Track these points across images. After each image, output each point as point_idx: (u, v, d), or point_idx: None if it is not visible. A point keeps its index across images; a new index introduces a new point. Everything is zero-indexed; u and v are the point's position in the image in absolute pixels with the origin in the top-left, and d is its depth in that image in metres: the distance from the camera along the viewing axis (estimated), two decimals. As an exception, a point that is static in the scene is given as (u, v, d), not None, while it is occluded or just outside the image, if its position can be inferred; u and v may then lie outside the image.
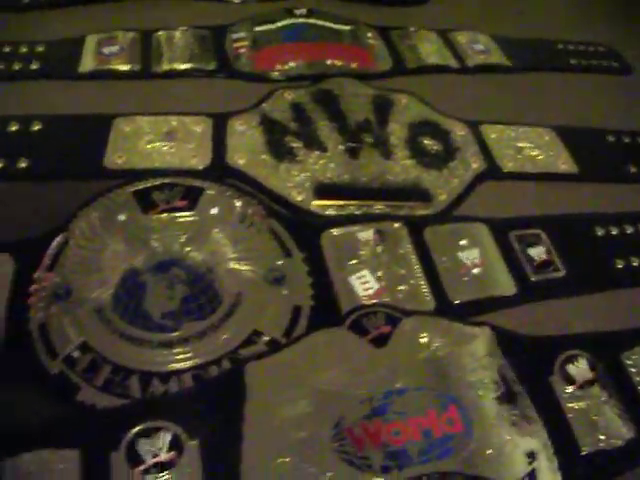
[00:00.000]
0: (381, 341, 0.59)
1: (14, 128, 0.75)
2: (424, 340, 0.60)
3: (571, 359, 0.62)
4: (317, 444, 0.53)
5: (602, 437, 0.58)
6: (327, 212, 0.70)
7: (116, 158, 0.72)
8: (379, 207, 0.71)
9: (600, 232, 0.75)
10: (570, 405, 0.59)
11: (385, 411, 0.55)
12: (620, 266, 0.72)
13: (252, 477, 0.51)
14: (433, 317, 0.63)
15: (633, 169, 0.85)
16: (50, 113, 0.78)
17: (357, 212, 0.70)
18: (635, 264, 0.73)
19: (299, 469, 0.52)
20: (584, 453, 0.57)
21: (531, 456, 0.55)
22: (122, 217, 0.66)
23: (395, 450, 0.53)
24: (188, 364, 0.57)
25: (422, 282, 0.65)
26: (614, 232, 0.75)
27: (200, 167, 0.72)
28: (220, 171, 0.72)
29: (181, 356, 0.58)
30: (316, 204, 0.70)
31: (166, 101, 0.80)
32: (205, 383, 0.57)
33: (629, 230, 0.76)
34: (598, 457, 0.57)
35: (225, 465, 0.52)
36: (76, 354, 0.57)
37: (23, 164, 0.71)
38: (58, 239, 0.65)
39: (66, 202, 0.68)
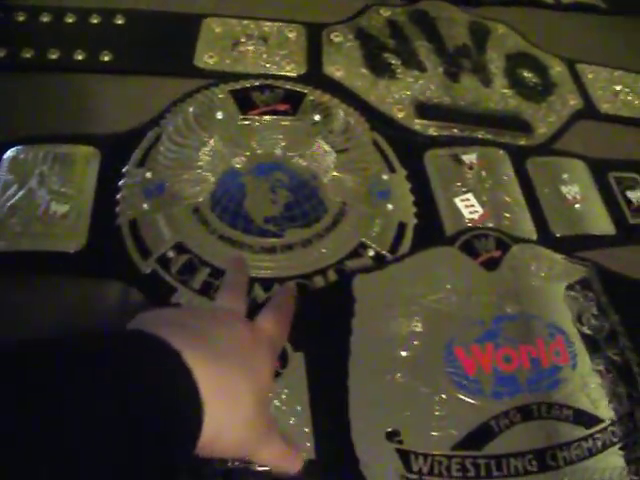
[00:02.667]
0: (492, 265, 0.57)
1: (95, 21, 0.71)
2: (533, 268, 0.58)
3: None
4: (428, 364, 0.52)
5: None
6: (429, 131, 0.67)
7: (207, 58, 0.68)
8: (481, 133, 0.68)
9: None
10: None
11: (496, 336, 0.54)
12: None
13: (360, 392, 0.50)
14: (541, 247, 0.61)
15: None
16: (134, 7, 0.73)
17: (460, 134, 0.67)
18: None
19: (410, 388, 0.51)
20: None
21: (630, 396, 0.55)
22: (220, 115, 0.63)
23: (506, 376, 0.53)
24: (292, 272, 0.55)
25: (525, 211, 0.63)
26: None
27: (295, 74, 0.68)
28: (317, 80, 0.68)
29: (285, 263, 0.55)
30: (418, 122, 0.67)
31: (258, 5, 0.75)
32: (310, 293, 0.54)
33: None
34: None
35: (331, 378, 0.50)
36: (171, 254, 0.54)
37: (106, 57, 0.67)
38: (150, 134, 0.62)
39: (155, 98, 0.65)
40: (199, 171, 0.59)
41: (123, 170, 0.59)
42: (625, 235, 0.66)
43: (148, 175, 0.58)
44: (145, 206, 0.57)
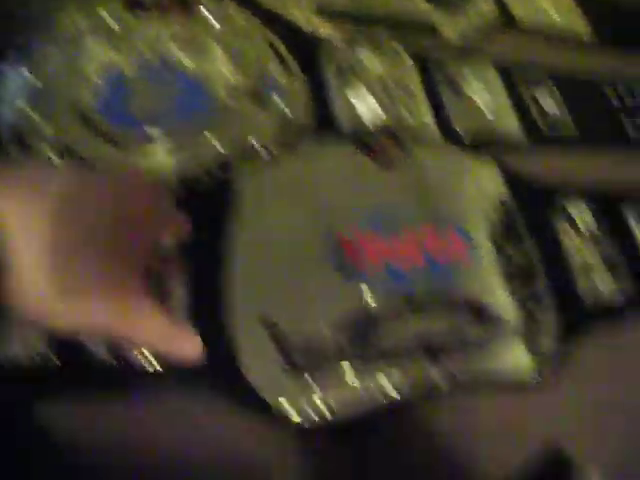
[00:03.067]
0: (385, 160, 0.56)
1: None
2: (429, 165, 0.57)
3: (575, 206, 0.60)
4: (309, 254, 0.51)
5: (601, 285, 0.56)
6: (329, 32, 0.64)
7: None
8: (386, 35, 0.66)
9: (611, 94, 0.72)
10: (571, 250, 0.58)
11: (384, 227, 0.53)
12: (631, 126, 0.69)
13: (239, 282, 0.49)
14: (439, 144, 0.59)
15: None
16: None
17: (361, 35, 0.65)
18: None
19: (290, 277, 0.50)
20: (583, 296, 0.56)
21: (528, 290, 0.53)
22: (105, 14, 0.59)
23: (392, 266, 0.51)
24: (175, 169, 0.53)
25: (427, 111, 0.61)
26: (627, 96, 0.72)
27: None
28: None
29: (168, 160, 0.54)
30: (319, 24, 0.65)
31: None
32: (192, 189, 0.52)
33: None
34: (597, 301, 0.56)
35: (209, 268, 0.49)
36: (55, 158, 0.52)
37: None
38: (31, 32, 0.58)
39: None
40: (83, 73, 0.56)
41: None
42: (534, 141, 0.64)
43: (27, 76, 0.55)
44: (28, 110, 0.54)
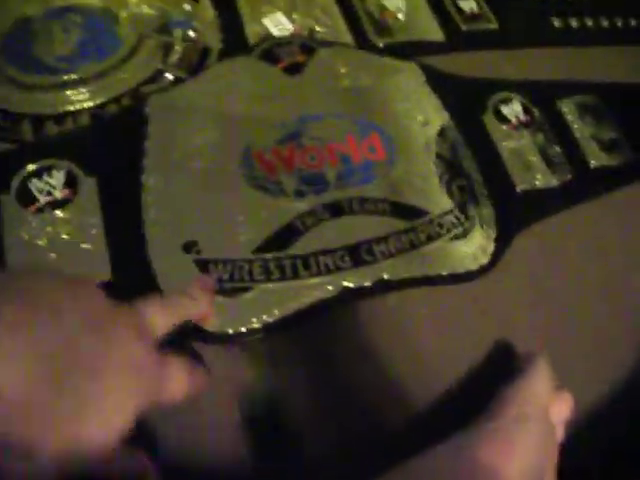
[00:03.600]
0: (295, 69, 0.54)
1: None
2: (343, 70, 0.56)
3: (505, 101, 0.59)
4: (224, 171, 0.49)
5: (538, 176, 0.56)
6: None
7: None
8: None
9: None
10: (504, 144, 0.57)
11: (299, 136, 0.51)
12: (558, 24, 0.68)
13: (155, 208, 0.47)
14: (354, 49, 0.58)
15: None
16: None
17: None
18: (574, 24, 0.69)
19: (207, 197, 0.48)
20: (519, 190, 0.55)
21: (461, 189, 0.52)
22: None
23: (311, 174, 0.50)
24: (85, 104, 0.52)
25: (342, 24, 0.60)
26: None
27: None
28: None
29: (77, 97, 0.53)
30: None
31: None
32: (103, 120, 0.51)
33: (569, -6, 0.72)
34: (533, 194, 0.55)
35: (124, 196, 0.47)
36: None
37: None
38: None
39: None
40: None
41: None
42: (456, 41, 0.63)
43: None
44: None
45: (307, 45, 0.56)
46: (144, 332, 0.34)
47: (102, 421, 0.30)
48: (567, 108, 0.60)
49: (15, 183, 0.47)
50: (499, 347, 0.49)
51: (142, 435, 0.35)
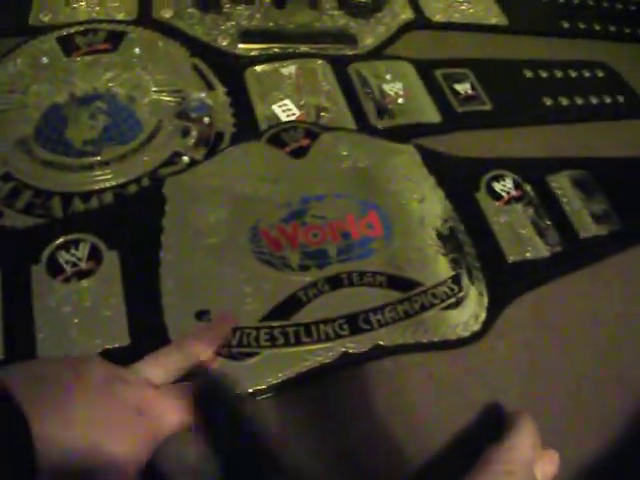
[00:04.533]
0: (300, 152, 0.59)
1: None
2: (345, 153, 0.60)
3: (497, 178, 0.63)
4: (234, 246, 0.54)
5: (528, 248, 0.59)
6: (251, 53, 0.70)
7: (42, 16, 0.72)
8: (304, 48, 0.71)
9: (529, 74, 0.76)
10: (496, 219, 0.60)
11: (303, 215, 0.56)
12: (548, 104, 0.73)
13: (171, 280, 0.52)
14: (354, 133, 0.63)
15: (566, 24, 0.85)
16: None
17: (281, 52, 0.70)
18: (563, 103, 0.73)
19: (217, 270, 0.52)
20: (510, 262, 0.58)
21: (455, 262, 0.56)
22: (45, 60, 0.66)
23: (313, 250, 0.54)
24: (108, 184, 0.57)
25: (344, 109, 0.65)
26: (544, 75, 0.76)
27: (125, 19, 0.72)
28: (146, 23, 0.71)
29: (101, 177, 0.58)
30: (241, 47, 0.70)
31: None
32: (125, 199, 0.56)
33: (559, 74, 0.77)
34: (524, 265, 0.58)
35: (143, 269, 0.52)
36: (-1, 185, 0.57)
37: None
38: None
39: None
40: (26, 111, 0.62)
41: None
42: (452, 122, 0.67)
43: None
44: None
45: (311, 130, 0.61)
46: (136, 382, 0.40)
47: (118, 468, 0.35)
48: (557, 183, 0.64)
49: (45, 255, 0.51)
50: (488, 409, 0.52)
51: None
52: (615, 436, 0.53)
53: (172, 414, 0.40)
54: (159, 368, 0.43)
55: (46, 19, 0.71)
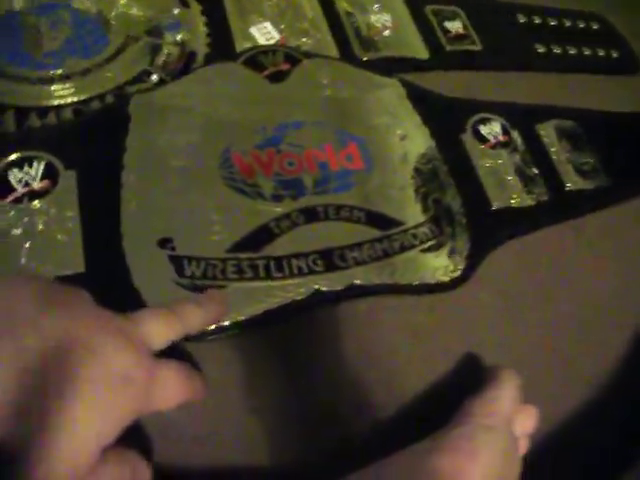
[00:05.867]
0: (278, 77, 0.55)
1: None
2: (326, 81, 0.56)
3: (484, 121, 0.60)
4: (203, 171, 0.50)
5: (513, 195, 0.57)
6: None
7: None
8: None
9: (523, 19, 0.73)
10: (481, 162, 0.58)
11: (279, 142, 0.52)
12: (541, 50, 0.70)
13: (133, 204, 0.47)
14: (338, 61, 0.59)
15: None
16: None
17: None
18: (556, 51, 0.70)
19: (183, 195, 0.48)
20: (494, 208, 0.55)
21: (437, 203, 0.53)
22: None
23: (288, 179, 0.51)
24: (69, 100, 0.53)
25: (328, 36, 0.61)
26: (537, 21, 0.73)
27: None
28: None
29: (61, 92, 0.53)
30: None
31: None
32: (86, 116, 0.52)
33: (552, 22, 0.74)
34: (508, 213, 0.56)
35: (103, 191, 0.47)
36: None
37: None
38: None
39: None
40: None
41: None
42: (439, 60, 0.64)
43: None
44: None
45: (292, 55, 0.57)
46: (135, 341, 0.34)
47: (75, 437, 0.29)
48: (545, 131, 0.61)
49: (-5, 175, 0.46)
50: (467, 360, 0.49)
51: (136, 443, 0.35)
52: (594, 393, 0.52)
53: (171, 391, 0.35)
54: (165, 327, 0.37)
55: None
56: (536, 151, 0.60)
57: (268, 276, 0.46)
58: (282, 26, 0.60)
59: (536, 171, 0.59)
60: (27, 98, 0.52)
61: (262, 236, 0.48)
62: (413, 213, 0.52)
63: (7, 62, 0.54)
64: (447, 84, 0.62)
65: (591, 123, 0.65)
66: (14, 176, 0.47)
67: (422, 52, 0.63)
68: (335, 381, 0.46)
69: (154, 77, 0.55)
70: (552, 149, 0.61)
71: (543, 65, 0.69)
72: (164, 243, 0.46)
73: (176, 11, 0.59)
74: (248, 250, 0.47)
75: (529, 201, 0.57)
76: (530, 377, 0.45)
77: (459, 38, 0.66)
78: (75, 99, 0.53)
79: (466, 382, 0.46)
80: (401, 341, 0.49)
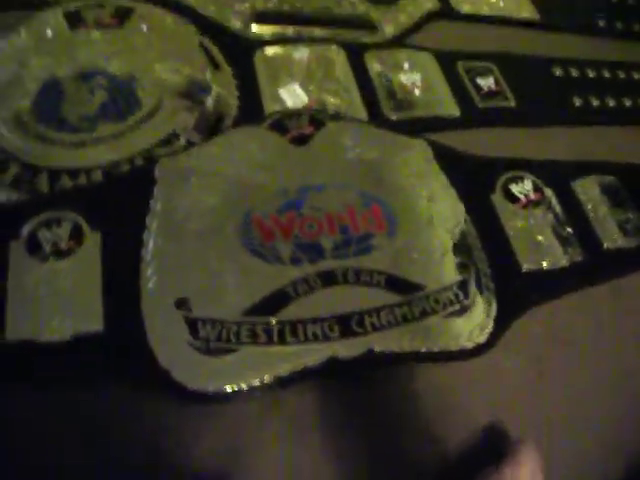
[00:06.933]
0: (301, 140, 0.56)
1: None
2: (350, 143, 0.56)
3: (515, 179, 0.59)
4: (221, 235, 0.50)
5: (545, 257, 0.54)
6: (264, 35, 0.67)
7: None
8: (319, 33, 0.67)
9: (559, 72, 0.71)
10: (511, 223, 0.56)
11: (300, 205, 0.52)
12: (578, 104, 0.68)
13: (152, 265, 0.48)
14: (362, 123, 0.59)
15: (602, 23, 0.80)
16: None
17: (294, 36, 0.67)
18: (595, 103, 0.68)
19: (202, 257, 0.49)
20: (524, 270, 0.53)
21: (463, 266, 0.51)
22: (49, 33, 0.63)
23: (307, 243, 0.50)
24: (100, 162, 0.55)
25: (356, 97, 0.61)
26: (574, 74, 0.71)
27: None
28: (157, 2, 0.68)
29: (93, 155, 0.55)
30: (254, 29, 0.67)
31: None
32: (114, 178, 0.53)
33: (591, 74, 0.72)
34: (539, 275, 0.54)
35: (125, 252, 0.49)
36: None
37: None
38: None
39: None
40: (23, 83, 0.59)
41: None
42: (471, 117, 0.63)
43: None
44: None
45: (316, 118, 0.57)
46: None
47: None
48: (582, 188, 0.59)
49: (25, 231, 0.48)
50: (490, 431, 0.47)
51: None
52: (626, 465, 0.49)
53: None
54: None
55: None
56: (571, 209, 0.58)
57: (282, 341, 0.46)
58: (311, 87, 0.61)
59: (570, 230, 0.57)
60: (61, 160, 0.55)
61: (278, 300, 0.47)
62: (436, 277, 0.51)
63: (45, 126, 0.56)
64: (479, 142, 0.61)
65: (633, 178, 0.63)
66: (43, 235, 0.48)
67: (453, 110, 0.63)
68: (346, 451, 0.45)
69: (182, 140, 0.56)
70: (589, 206, 0.59)
71: (581, 119, 0.68)
72: (181, 304, 0.46)
73: (208, 74, 0.60)
74: (263, 314, 0.47)
75: (562, 262, 0.55)
76: (556, 449, 0.44)
77: (492, 94, 0.65)
78: (105, 161, 0.54)
79: (487, 453, 0.45)
80: (419, 410, 0.47)
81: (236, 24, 0.67)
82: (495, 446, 0.45)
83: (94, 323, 0.45)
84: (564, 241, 0.56)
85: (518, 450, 0.43)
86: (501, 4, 0.76)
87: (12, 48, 0.62)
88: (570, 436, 0.48)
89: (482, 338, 0.49)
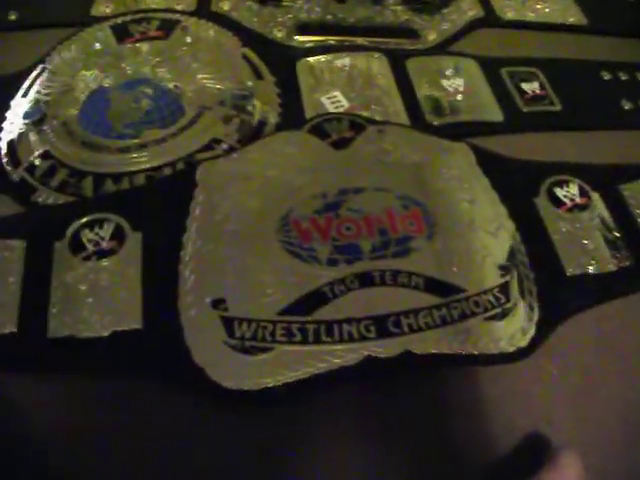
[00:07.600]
0: (342, 144, 0.56)
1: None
2: (390, 147, 0.56)
3: (560, 183, 0.57)
4: (259, 235, 0.50)
5: (592, 261, 0.53)
6: (307, 45, 0.67)
7: (104, 7, 0.72)
8: (362, 41, 0.68)
9: (607, 76, 0.69)
10: (556, 227, 0.54)
11: (338, 207, 0.52)
12: (627, 107, 0.66)
13: (190, 265, 0.49)
14: (403, 128, 0.59)
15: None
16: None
17: (337, 45, 0.67)
18: (645, 106, 0.66)
19: (239, 257, 0.49)
20: (569, 274, 0.52)
21: (504, 269, 0.50)
22: (98, 46, 0.65)
23: (345, 244, 0.50)
24: (143, 167, 0.56)
25: (398, 103, 0.61)
26: (624, 77, 0.69)
27: (183, 9, 0.71)
28: (204, 15, 0.70)
29: (137, 160, 0.57)
30: (297, 39, 0.68)
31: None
32: (156, 181, 0.55)
33: (641, 77, 0.70)
34: (585, 280, 0.52)
35: (164, 252, 0.50)
36: (37, 162, 0.57)
37: (12, 16, 0.71)
38: (36, 71, 0.65)
39: (51, 44, 0.68)
40: (73, 93, 0.61)
41: (10, 103, 0.62)
42: (515, 122, 0.62)
43: (28, 103, 0.61)
44: (22, 127, 0.59)
45: (356, 122, 0.57)
46: None
47: None
48: (630, 192, 0.58)
49: (69, 232, 0.50)
50: (531, 439, 0.46)
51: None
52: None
53: None
54: None
55: (108, 10, 0.72)
56: (619, 213, 0.56)
57: (317, 340, 0.46)
58: (352, 94, 0.61)
59: (618, 234, 0.55)
60: (105, 166, 0.56)
61: (314, 300, 0.47)
62: (477, 279, 0.50)
63: (92, 133, 0.58)
64: (523, 146, 0.60)
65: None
66: (86, 236, 0.50)
67: (497, 115, 0.62)
68: (381, 455, 0.44)
69: (224, 145, 0.56)
70: (638, 210, 0.56)
71: (630, 122, 0.66)
72: (217, 304, 0.47)
73: (250, 83, 0.61)
74: (299, 313, 0.47)
75: (610, 266, 0.53)
76: (601, 460, 0.42)
77: (536, 99, 0.64)
78: (148, 166, 0.56)
79: (527, 462, 0.43)
80: (457, 415, 0.46)
81: (279, 35, 0.68)
82: (535, 455, 0.44)
83: (133, 321, 0.46)
84: (612, 245, 0.54)
85: (560, 456, 0.41)
86: (547, 10, 0.75)
87: (64, 62, 0.64)
88: (619, 450, 0.46)
89: (524, 342, 0.48)
